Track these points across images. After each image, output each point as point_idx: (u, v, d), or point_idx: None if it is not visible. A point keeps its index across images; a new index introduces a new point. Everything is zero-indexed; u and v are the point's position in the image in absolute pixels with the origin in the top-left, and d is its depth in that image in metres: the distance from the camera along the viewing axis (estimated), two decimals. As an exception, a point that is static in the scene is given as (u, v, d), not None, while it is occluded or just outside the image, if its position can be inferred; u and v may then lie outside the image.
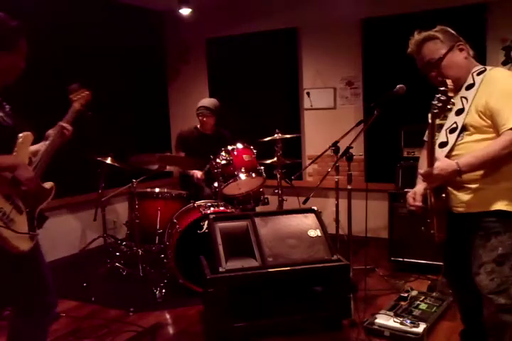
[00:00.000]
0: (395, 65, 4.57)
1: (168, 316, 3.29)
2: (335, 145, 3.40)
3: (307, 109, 5.13)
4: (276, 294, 2.85)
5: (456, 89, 2.02)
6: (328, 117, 5.01)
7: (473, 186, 1.98)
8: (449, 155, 1.99)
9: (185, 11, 4.87)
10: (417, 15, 4.39)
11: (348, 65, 4.86)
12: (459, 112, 2.01)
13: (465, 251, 2.10)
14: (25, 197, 1.87)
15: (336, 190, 3.68)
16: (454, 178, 1.96)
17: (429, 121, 1.89)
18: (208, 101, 4.35)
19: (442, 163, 1.92)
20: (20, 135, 1.89)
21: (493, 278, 1.95)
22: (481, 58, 4.17)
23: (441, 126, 2.09)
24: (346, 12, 4.68)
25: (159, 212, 4.00)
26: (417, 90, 3.91)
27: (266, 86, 5.24)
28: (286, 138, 4.00)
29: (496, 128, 1.91)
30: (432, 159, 1.95)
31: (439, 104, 1.82)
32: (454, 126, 2.00)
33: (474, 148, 1.94)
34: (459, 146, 1.99)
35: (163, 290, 3.50)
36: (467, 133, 1.98)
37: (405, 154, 4.05)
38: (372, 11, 4.60)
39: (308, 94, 5.06)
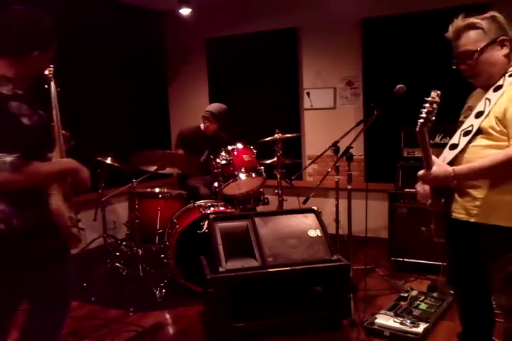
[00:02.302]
0: (395, 65, 4.59)
1: (168, 316, 3.29)
2: (335, 145, 3.40)
3: (307, 109, 5.13)
4: (276, 294, 2.85)
5: (486, 89, 1.95)
6: (328, 117, 5.01)
7: (477, 194, 1.90)
8: (457, 158, 1.93)
9: (185, 11, 4.87)
10: (417, 15, 4.40)
11: (348, 65, 4.87)
12: (479, 115, 1.90)
13: (469, 259, 2.07)
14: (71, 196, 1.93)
15: (336, 190, 3.68)
16: (450, 184, 1.94)
17: (417, 129, 1.81)
18: (214, 107, 4.38)
19: (439, 168, 1.87)
20: None
21: (509, 297, 1.89)
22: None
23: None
24: (346, 12, 4.68)
25: (159, 212, 4.01)
26: (417, 90, 3.92)
27: (266, 86, 5.24)
28: (287, 138, 4.00)
29: (508, 138, 1.83)
30: (428, 163, 1.87)
31: (423, 115, 1.77)
32: (470, 128, 1.91)
33: (482, 153, 1.86)
34: (469, 149, 1.91)
35: (163, 290, 3.50)
36: (481, 136, 1.89)
37: (405, 154, 4.04)
38: (372, 11, 4.60)
39: (308, 94, 5.06)
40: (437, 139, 3.80)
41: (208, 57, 5.57)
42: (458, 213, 1.99)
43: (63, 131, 2.15)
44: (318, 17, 4.87)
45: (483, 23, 1.95)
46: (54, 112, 2.11)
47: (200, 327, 3.07)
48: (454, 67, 2.02)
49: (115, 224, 4.97)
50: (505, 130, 1.84)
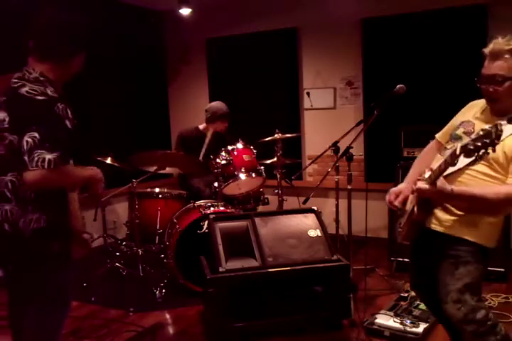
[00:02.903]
0: (395, 65, 4.59)
1: (168, 316, 3.29)
2: (335, 145, 3.40)
3: (307, 109, 5.13)
4: (276, 294, 2.85)
5: (498, 115, 1.94)
6: (328, 117, 5.01)
7: (456, 210, 1.96)
8: (451, 175, 1.92)
9: (185, 11, 4.87)
10: (417, 15, 4.41)
11: (348, 65, 4.87)
12: None
13: (431, 268, 2.10)
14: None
15: (336, 190, 3.68)
16: (440, 201, 1.97)
17: (457, 152, 1.70)
18: (224, 107, 4.34)
19: (443, 185, 1.85)
20: None
21: (460, 308, 1.95)
22: (481, 58, 4.19)
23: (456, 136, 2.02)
24: (346, 12, 4.68)
25: (159, 212, 4.01)
26: (417, 90, 3.94)
27: (266, 86, 5.24)
28: (287, 138, 4.00)
29: (506, 173, 1.87)
30: (436, 179, 1.84)
31: (478, 144, 1.62)
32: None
33: (477, 179, 1.91)
34: (466, 171, 1.93)
35: (163, 290, 3.50)
36: (482, 162, 1.87)
37: (405, 154, 4.04)
38: (372, 11, 4.60)
39: (308, 94, 5.06)
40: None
41: (208, 57, 5.57)
42: (432, 223, 2.04)
43: None
44: (318, 17, 4.87)
45: None
46: None
47: (200, 327, 3.07)
48: (478, 85, 1.97)
49: (115, 224, 4.97)
50: (506, 165, 1.87)
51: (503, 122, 1.88)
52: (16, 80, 1.73)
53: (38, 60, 1.77)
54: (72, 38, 1.80)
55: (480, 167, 1.91)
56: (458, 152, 1.70)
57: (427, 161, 2.16)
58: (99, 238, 4.36)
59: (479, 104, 2.08)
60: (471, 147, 1.64)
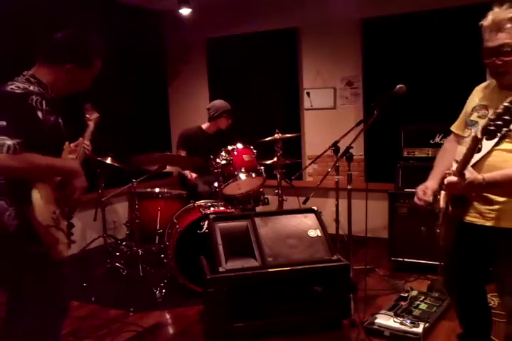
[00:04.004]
0: (395, 65, 4.59)
1: (168, 316, 3.29)
2: (335, 145, 3.40)
3: (307, 109, 5.13)
4: (276, 294, 2.85)
5: (508, 88, 1.85)
6: (328, 117, 5.01)
7: (494, 198, 1.86)
8: (479, 163, 1.82)
9: (185, 11, 4.87)
10: (417, 15, 4.40)
11: (348, 65, 4.86)
12: None
13: (474, 261, 2.06)
14: (71, 204, 1.90)
15: (336, 190, 3.68)
16: (475, 193, 1.84)
17: (478, 135, 1.62)
18: (227, 104, 4.40)
19: (471, 175, 1.73)
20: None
21: None
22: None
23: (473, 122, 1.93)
24: (346, 12, 4.68)
25: (159, 212, 4.01)
26: (417, 90, 3.94)
27: (266, 86, 5.23)
28: (287, 138, 4.00)
29: None
30: (462, 169, 1.74)
31: (499, 123, 1.52)
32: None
33: (506, 157, 1.81)
34: (493, 153, 1.82)
35: (163, 290, 3.50)
36: (507, 140, 1.75)
37: (405, 154, 4.05)
38: (372, 11, 4.60)
39: (308, 94, 5.06)
40: (437, 139, 3.80)
41: (208, 57, 5.57)
42: (472, 217, 1.94)
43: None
44: (318, 17, 4.87)
45: None
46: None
47: (200, 327, 3.07)
48: (483, 61, 1.88)
49: (115, 224, 4.97)
50: None
51: None
52: (10, 82, 1.81)
53: (38, 63, 1.91)
54: (66, 46, 1.95)
55: (506, 145, 1.80)
56: (480, 135, 1.61)
57: (448, 155, 2.08)
58: (99, 238, 4.36)
59: (485, 86, 2.03)
60: (492, 128, 1.55)
